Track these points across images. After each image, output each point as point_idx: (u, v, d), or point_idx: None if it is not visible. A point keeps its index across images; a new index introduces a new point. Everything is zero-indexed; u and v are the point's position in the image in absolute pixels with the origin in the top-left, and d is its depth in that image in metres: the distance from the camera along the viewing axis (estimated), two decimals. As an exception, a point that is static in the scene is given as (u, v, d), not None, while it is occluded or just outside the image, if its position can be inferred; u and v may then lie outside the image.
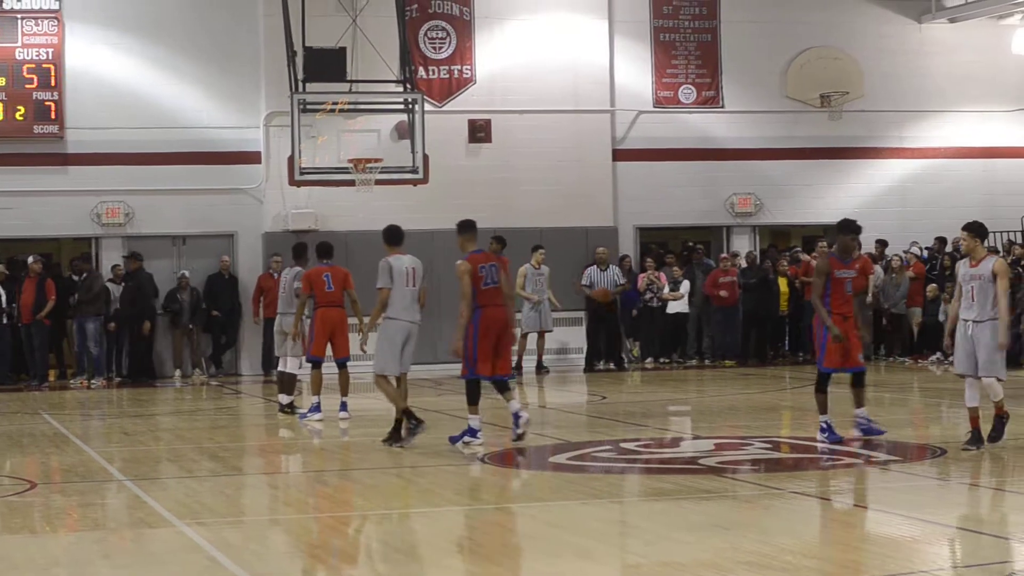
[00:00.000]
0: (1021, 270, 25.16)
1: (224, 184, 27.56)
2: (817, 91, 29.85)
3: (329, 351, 18.23)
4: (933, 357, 25.86)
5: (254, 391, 24.42)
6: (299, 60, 24.56)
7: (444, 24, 28.32)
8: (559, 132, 28.56)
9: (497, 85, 28.44)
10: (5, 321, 25.37)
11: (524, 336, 25.43)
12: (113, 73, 27.30)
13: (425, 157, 24.68)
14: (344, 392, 18.33)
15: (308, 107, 24.61)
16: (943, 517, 10.86)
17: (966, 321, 13.85)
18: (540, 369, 25.88)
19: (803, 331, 25.99)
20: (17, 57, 26.60)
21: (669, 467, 13.95)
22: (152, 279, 26.59)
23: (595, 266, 26.71)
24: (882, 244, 28.73)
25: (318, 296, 18.03)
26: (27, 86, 26.59)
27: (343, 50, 24.95)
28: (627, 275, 27.48)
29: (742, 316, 27.57)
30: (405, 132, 25.44)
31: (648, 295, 27.44)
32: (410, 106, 25.08)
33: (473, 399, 14.95)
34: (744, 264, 28.09)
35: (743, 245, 29.44)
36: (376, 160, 24.89)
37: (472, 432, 14.96)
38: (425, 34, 28.17)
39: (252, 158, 27.61)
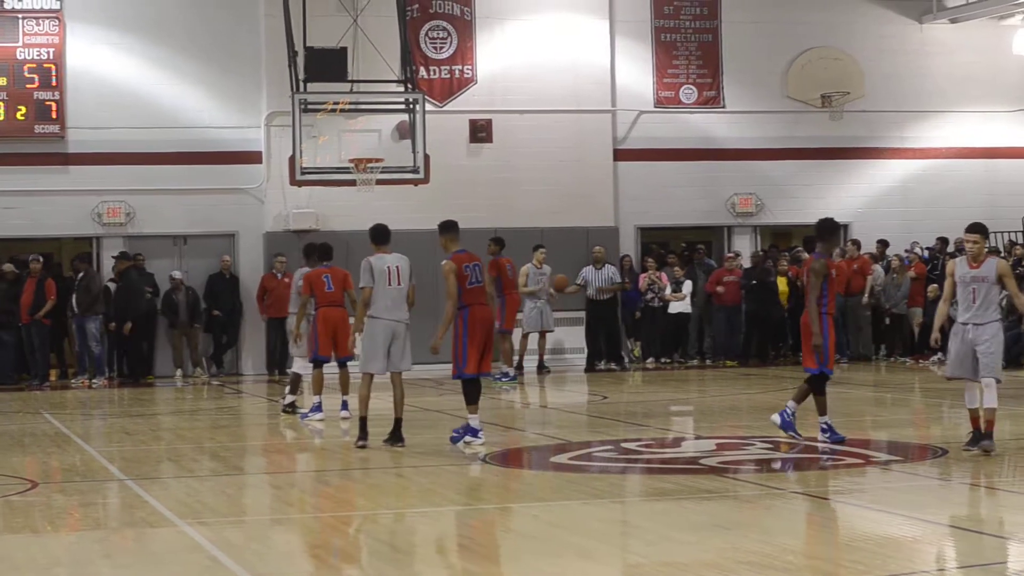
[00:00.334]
0: (1022, 270, 25.15)
1: (225, 184, 27.57)
2: (818, 91, 29.86)
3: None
4: (934, 357, 25.83)
5: (255, 391, 24.43)
6: (300, 60, 24.56)
7: (445, 24, 28.33)
8: (560, 132, 28.57)
9: (498, 85, 28.45)
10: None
11: (525, 336, 25.45)
12: (114, 73, 27.31)
13: (426, 157, 24.70)
14: (345, 391, 18.34)
15: (309, 107, 24.61)
16: (944, 517, 10.86)
17: (965, 324, 13.65)
18: (541, 369, 25.89)
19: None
20: (18, 57, 26.60)
21: (670, 467, 13.95)
22: (141, 280, 26.43)
23: (591, 265, 26.74)
24: (883, 244, 28.77)
25: (319, 297, 18.12)
26: (28, 86, 26.60)
27: (344, 50, 24.96)
28: (628, 275, 27.49)
29: (744, 316, 27.59)
30: (406, 132, 25.45)
31: (649, 295, 27.45)
32: (411, 106, 25.08)
33: (472, 398, 14.98)
34: (749, 264, 28.09)
35: (744, 245, 29.44)
36: (377, 160, 24.90)
37: (473, 432, 14.97)
38: (426, 34, 28.18)
39: (253, 158, 27.62)
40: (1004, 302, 15.87)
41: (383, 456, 14.68)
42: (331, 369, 18.47)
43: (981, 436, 13.71)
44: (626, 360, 27.46)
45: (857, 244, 28.21)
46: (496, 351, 24.03)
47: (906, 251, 28.24)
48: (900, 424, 17.83)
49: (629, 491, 12.83)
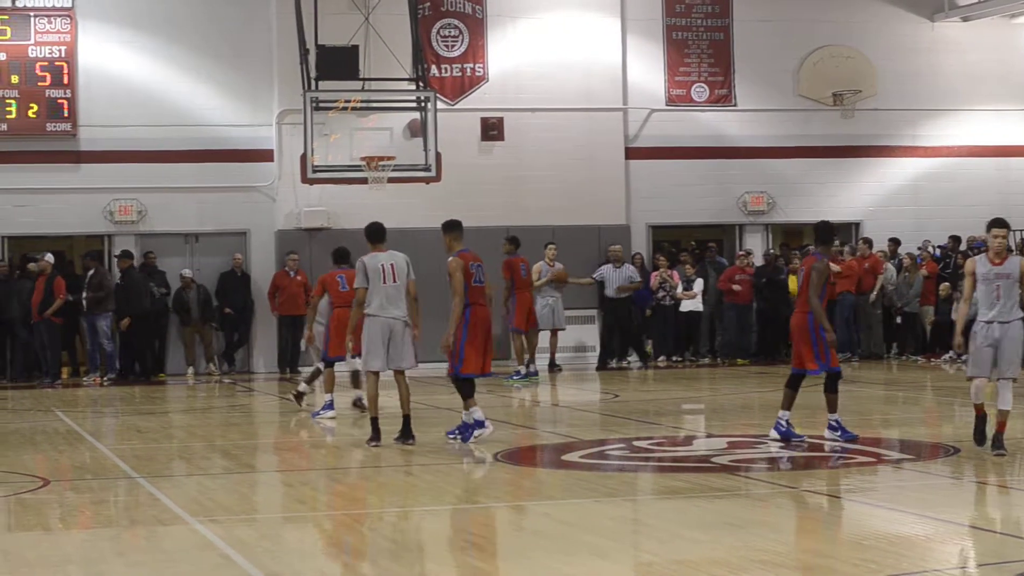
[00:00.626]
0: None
1: (237, 182, 27.58)
2: (830, 90, 29.81)
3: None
4: (946, 356, 25.80)
5: (267, 389, 24.44)
6: (312, 58, 24.57)
7: (457, 22, 28.33)
8: (572, 130, 28.56)
9: (510, 83, 28.44)
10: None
11: (536, 333, 25.42)
12: (126, 71, 27.33)
13: (438, 155, 24.70)
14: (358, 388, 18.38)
15: (321, 105, 24.61)
16: (956, 516, 10.85)
17: (990, 323, 13.40)
18: (553, 367, 25.87)
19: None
20: (30, 55, 26.64)
21: (682, 465, 13.93)
22: (143, 278, 26.36)
23: (610, 264, 26.75)
24: (895, 243, 28.75)
25: (333, 297, 18.21)
26: (40, 84, 26.63)
27: (355, 48, 24.94)
28: (639, 273, 27.47)
29: (755, 314, 27.58)
30: (418, 130, 25.44)
31: (661, 293, 27.43)
32: (423, 104, 25.08)
33: (468, 393, 15.06)
34: (761, 262, 28.07)
35: (756, 243, 29.41)
36: (389, 158, 24.89)
37: (479, 424, 14.99)
38: (438, 32, 28.18)
39: (264, 156, 27.63)
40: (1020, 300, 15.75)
41: (394, 454, 14.68)
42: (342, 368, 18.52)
43: (990, 436, 13.53)
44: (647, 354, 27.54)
45: (869, 242, 28.17)
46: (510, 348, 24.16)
47: (918, 249, 28.20)
48: (912, 423, 17.81)
49: (641, 489, 12.82)
